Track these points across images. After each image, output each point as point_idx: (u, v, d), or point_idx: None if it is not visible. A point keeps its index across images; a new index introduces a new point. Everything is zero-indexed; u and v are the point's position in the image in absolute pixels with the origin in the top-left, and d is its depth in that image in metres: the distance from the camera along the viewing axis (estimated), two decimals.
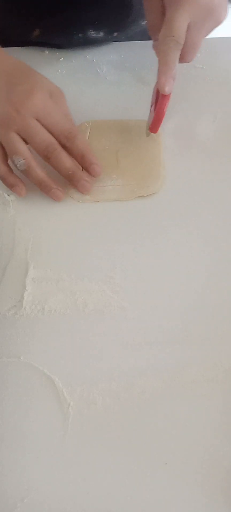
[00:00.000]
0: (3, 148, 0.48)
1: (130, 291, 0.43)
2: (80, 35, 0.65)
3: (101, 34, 0.66)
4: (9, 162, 0.49)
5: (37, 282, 0.43)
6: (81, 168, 0.50)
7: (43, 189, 0.49)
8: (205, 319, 0.41)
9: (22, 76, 0.50)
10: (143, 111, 0.54)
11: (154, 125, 0.50)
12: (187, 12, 0.46)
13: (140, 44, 0.68)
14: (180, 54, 0.48)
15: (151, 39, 0.58)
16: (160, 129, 0.56)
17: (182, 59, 0.49)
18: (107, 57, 0.67)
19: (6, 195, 0.50)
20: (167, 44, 0.46)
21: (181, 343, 0.39)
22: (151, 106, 0.52)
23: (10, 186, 0.49)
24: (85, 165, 0.50)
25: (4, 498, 0.33)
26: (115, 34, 0.66)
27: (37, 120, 0.47)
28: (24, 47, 0.66)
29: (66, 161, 0.48)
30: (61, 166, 0.48)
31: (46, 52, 0.67)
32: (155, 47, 0.50)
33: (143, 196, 0.50)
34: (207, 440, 0.35)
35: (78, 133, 0.50)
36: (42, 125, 0.48)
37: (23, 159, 0.47)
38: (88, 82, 0.63)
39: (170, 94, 0.48)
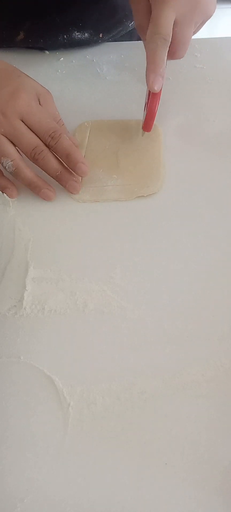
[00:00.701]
0: None
1: (130, 291, 0.43)
2: (65, 36, 0.65)
3: (86, 35, 0.66)
4: None
5: (37, 282, 0.43)
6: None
7: (33, 190, 0.49)
8: (205, 319, 0.41)
9: (8, 79, 0.50)
10: (143, 111, 0.54)
11: (146, 124, 0.50)
12: (172, 8, 0.46)
13: (140, 44, 0.68)
14: (170, 51, 0.48)
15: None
16: (160, 129, 0.56)
17: (173, 56, 0.49)
18: (107, 57, 0.67)
19: (5, 196, 0.50)
20: (154, 42, 0.46)
21: (181, 343, 0.39)
22: (145, 105, 0.52)
23: (1, 189, 0.49)
24: (71, 165, 0.49)
25: (4, 498, 0.33)
26: (100, 35, 0.66)
27: (22, 120, 0.48)
28: (24, 47, 0.67)
29: (54, 162, 0.48)
30: (49, 167, 0.48)
31: (46, 52, 0.67)
32: (145, 45, 0.50)
33: (143, 196, 0.50)
34: (207, 440, 0.35)
35: (63, 132, 0.49)
36: (27, 125, 0.48)
37: (11, 161, 0.47)
38: (88, 82, 0.63)
39: (160, 92, 0.48)
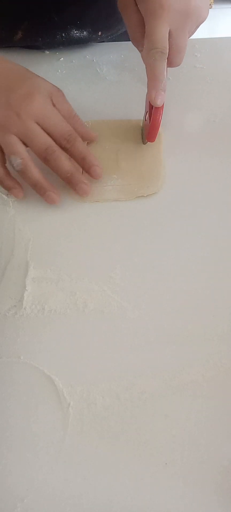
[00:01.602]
0: (2, 152, 0.49)
1: (130, 291, 0.43)
2: (63, 34, 0.65)
3: (85, 33, 0.66)
4: (7, 165, 0.49)
5: (37, 282, 0.43)
6: (81, 171, 0.50)
7: (38, 191, 0.49)
8: (205, 319, 0.41)
9: (21, 80, 0.50)
10: (143, 111, 0.54)
11: (150, 134, 0.50)
12: (165, 21, 0.46)
13: None
14: (167, 60, 0.48)
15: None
16: (160, 129, 0.56)
17: (170, 64, 0.49)
18: (107, 57, 0.67)
19: (4, 196, 0.50)
20: (151, 57, 0.46)
21: (181, 343, 0.39)
22: (145, 113, 0.52)
23: (8, 189, 0.49)
24: (86, 167, 0.50)
25: (4, 498, 0.33)
26: (99, 33, 0.66)
27: (37, 123, 0.48)
28: (23, 47, 0.67)
29: (65, 163, 0.48)
30: (60, 169, 0.48)
31: (46, 52, 0.67)
32: (142, 57, 0.50)
33: (143, 196, 0.50)
34: (206, 440, 0.35)
35: (78, 135, 0.50)
36: (42, 128, 0.48)
37: (21, 159, 0.47)
38: (88, 82, 0.63)
39: (163, 104, 0.48)
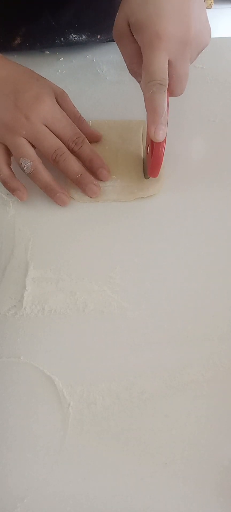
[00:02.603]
0: (8, 153, 0.49)
1: (130, 291, 0.43)
2: (62, 39, 0.65)
3: (83, 37, 0.66)
4: (12, 167, 0.49)
5: (37, 282, 0.43)
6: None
7: (49, 193, 0.49)
8: (205, 319, 0.41)
9: (28, 82, 0.50)
10: (143, 111, 0.54)
11: (153, 171, 0.48)
12: (163, 51, 0.43)
13: None
14: (168, 91, 0.45)
15: None
16: None
17: (171, 94, 0.47)
18: (107, 57, 0.67)
19: (4, 196, 0.50)
20: (149, 89, 0.44)
21: (181, 343, 0.39)
22: (147, 146, 0.50)
23: (12, 190, 0.49)
24: (94, 169, 0.50)
25: (4, 498, 0.33)
26: (98, 36, 0.66)
27: (45, 125, 0.48)
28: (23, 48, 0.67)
29: (75, 165, 0.49)
30: (70, 170, 0.49)
31: (47, 52, 0.67)
32: (141, 89, 0.47)
33: (143, 197, 0.49)
34: (206, 440, 0.35)
35: (85, 138, 0.50)
36: (51, 130, 0.48)
37: (30, 162, 0.47)
38: (88, 82, 0.63)
39: (165, 138, 0.46)
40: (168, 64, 0.44)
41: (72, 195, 0.50)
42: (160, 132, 0.44)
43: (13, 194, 0.49)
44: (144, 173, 0.51)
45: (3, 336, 0.40)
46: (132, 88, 0.62)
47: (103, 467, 0.34)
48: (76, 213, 0.49)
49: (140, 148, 0.54)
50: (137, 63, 0.47)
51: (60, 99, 0.51)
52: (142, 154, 0.53)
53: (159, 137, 0.44)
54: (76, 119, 0.52)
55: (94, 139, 0.54)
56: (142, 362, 0.38)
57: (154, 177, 0.49)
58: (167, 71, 0.44)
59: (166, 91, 0.44)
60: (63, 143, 0.49)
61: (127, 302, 0.42)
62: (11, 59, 0.52)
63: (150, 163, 0.47)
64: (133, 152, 0.53)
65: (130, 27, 0.45)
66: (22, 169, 0.48)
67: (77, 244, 0.46)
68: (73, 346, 0.40)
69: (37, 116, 0.48)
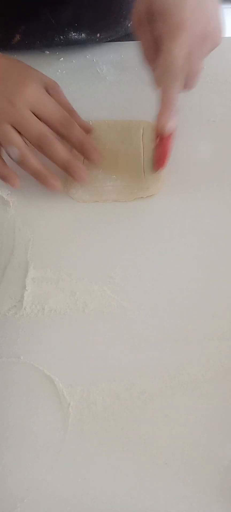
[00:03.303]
0: None
1: (130, 291, 0.43)
2: (61, 37, 0.65)
3: (83, 35, 0.65)
4: (4, 155, 0.48)
5: (37, 282, 0.43)
6: (78, 157, 0.50)
7: (39, 179, 0.48)
8: (205, 319, 0.41)
9: (15, 71, 0.49)
10: (143, 111, 0.54)
11: (159, 163, 0.48)
12: (184, 43, 0.43)
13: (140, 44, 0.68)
14: (186, 82, 0.46)
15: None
16: None
17: (184, 87, 0.47)
18: (107, 57, 0.67)
19: (4, 196, 0.50)
20: (166, 79, 0.44)
21: (181, 343, 0.39)
22: (156, 138, 0.49)
23: (3, 178, 0.48)
24: (85, 153, 0.49)
25: (4, 498, 0.33)
26: (98, 35, 0.66)
27: (32, 111, 0.47)
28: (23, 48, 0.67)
29: (61, 150, 0.47)
30: (55, 156, 0.47)
31: (47, 52, 0.67)
32: (155, 79, 0.47)
33: (142, 197, 0.49)
34: (207, 440, 0.35)
35: (74, 122, 0.49)
36: (37, 116, 0.47)
37: (17, 149, 0.46)
38: (88, 82, 0.63)
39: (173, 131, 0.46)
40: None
41: (72, 195, 0.50)
42: (170, 124, 0.45)
43: (5, 182, 0.48)
44: (147, 168, 0.51)
45: (3, 336, 0.40)
46: (132, 88, 0.62)
47: (104, 467, 0.34)
48: (76, 213, 0.49)
49: (140, 148, 0.54)
50: (153, 50, 0.47)
51: (52, 90, 0.50)
52: (142, 154, 0.53)
53: (168, 129, 0.45)
54: (68, 110, 0.51)
55: (85, 128, 0.52)
56: (142, 362, 0.38)
57: (160, 168, 0.48)
58: (185, 64, 0.44)
59: (182, 84, 0.44)
60: (51, 128, 0.48)
61: (127, 302, 0.42)
62: (12, 57, 0.52)
63: (158, 154, 0.47)
64: (133, 152, 0.53)
65: (148, 14, 0.45)
66: (10, 156, 0.47)
67: (77, 244, 0.46)
68: (73, 346, 0.40)
69: (22, 101, 0.47)
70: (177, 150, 0.54)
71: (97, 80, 0.63)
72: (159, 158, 0.47)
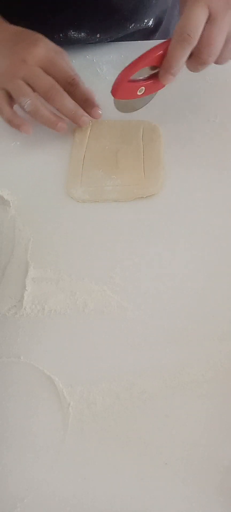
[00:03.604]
0: (9, 97, 0.53)
1: (130, 291, 0.43)
2: (61, 35, 0.66)
3: (83, 34, 0.66)
4: (16, 108, 0.54)
5: (37, 282, 0.43)
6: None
7: (50, 126, 0.53)
8: (205, 319, 0.41)
9: (27, 35, 0.55)
10: (143, 111, 0.54)
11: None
12: (204, 8, 0.44)
13: (140, 44, 0.68)
14: (195, 53, 0.46)
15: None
16: (160, 130, 0.56)
17: (197, 55, 0.47)
18: (107, 57, 0.67)
19: (4, 196, 0.50)
20: (178, 38, 0.45)
21: (181, 343, 0.39)
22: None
23: (17, 127, 0.53)
24: (88, 108, 0.55)
25: (4, 498, 0.33)
26: (98, 35, 0.66)
27: (41, 68, 0.53)
28: None
29: (68, 101, 0.53)
30: (64, 107, 0.53)
31: None
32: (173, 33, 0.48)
33: (142, 197, 0.49)
34: (207, 440, 0.35)
35: (81, 80, 0.55)
36: (46, 73, 0.52)
37: (29, 100, 0.51)
38: (88, 82, 0.63)
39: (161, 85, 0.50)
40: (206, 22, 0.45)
41: (72, 195, 0.50)
42: (166, 78, 0.48)
43: (19, 130, 0.53)
44: (147, 168, 0.52)
45: (3, 336, 0.40)
46: None
47: (103, 467, 0.34)
48: (76, 213, 0.49)
49: (140, 148, 0.54)
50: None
51: (59, 55, 0.55)
52: (142, 154, 0.53)
53: (163, 80, 0.49)
54: (73, 74, 0.55)
55: (89, 95, 0.56)
56: (142, 362, 0.38)
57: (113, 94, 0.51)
58: (201, 30, 0.45)
59: (190, 48, 0.45)
60: (59, 84, 0.53)
61: (127, 302, 0.42)
62: None
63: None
64: (133, 152, 0.53)
65: None
66: (23, 108, 0.52)
67: (77, 244, 0.46)
68: (73, 346, 0.40)
69: (33, 59, 0.52)
70: (177, 150, 0.54)
71: (97, 80, 0.63)
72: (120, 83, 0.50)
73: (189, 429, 0.35)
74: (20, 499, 0.33)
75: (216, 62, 0.49)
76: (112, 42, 0.69)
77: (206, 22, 0.45)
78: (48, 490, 0.33)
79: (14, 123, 0.53)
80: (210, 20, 0.45)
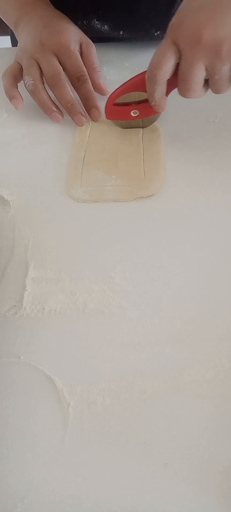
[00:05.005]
0: (20, 72, 0.56)
1: (130, 291, 0.43)
2: (84, 22, 0.66)
3: (105, 27, 0.66)
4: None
5: (37, 282, 0.43)
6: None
7: (45, 111, 0.56)
8: (205, 319, 0.41)
9: (59, 20, 0.57)
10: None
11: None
12: (171, 44, 0.44)
13: (140, 44, 0.68)
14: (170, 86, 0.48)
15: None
16: (160, 130, 0.56)
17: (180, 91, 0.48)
18: (107, 57, 0.67)
19: (4, 196, 0.50)
20: (147, 76, 0.47)
21: (181, 343, 0.39)
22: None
23: (10, 98, 0.55)
24: (88, 107, 0.56)
25: (4, 498, 0.33)
26: (121, 32, 0.66)
27: (56, 55, 0.55)
28: None
29: (68, 94, 0.55)
30: (63, 97, 0.55)
31: None
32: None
33: (142, 197, 0.49)
34: (207, 440, 0.35)
35: (89, 79, 0.56)
36: (60, 62, 0.55)
37: (32, 80, 0.54)
38: None
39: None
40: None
41: (72, 195, 0.50)
42: (154, 108, 0.50)
43: (10, 101, 0.56)
44: (147, 168, 0.52)
45: (3, 336, 0.40)
46: None
47: (104, 467, 0.34)
48: (76, 213, 0.49)
49: (140, 148, 0.54)
50: None
51: (84, 46, 0.57)
52: (142, 154, 0.53)
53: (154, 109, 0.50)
54: (91, 68, 0.57)
55: (100, 90, 0.58)
56: (142, 362, 0.38)
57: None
58: (169, 67, 0.46)
59: (161, 85, 0.47)
60: (68, 76, 0.55)
61: (127, 302, 0.42)
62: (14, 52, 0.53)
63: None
64: (133, 152, 0.53)
65: None
66: (25, 86, 0.55)
67: (77, 244, 0.46)
68: (73, 346, 0.40)
69: (51, 46, 0.54)
70: (177, 150, 0.54)
71: None
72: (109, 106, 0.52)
73: (189, 429, 0.35)
74: (20, 499, 0.33)
75: (215, 92, 0.48)
76: (112, 42, 0.69)
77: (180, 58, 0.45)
78: (48, 490, 0.33)
79: (8, 93, 0.55)
80: (180, 56, 0.45)
